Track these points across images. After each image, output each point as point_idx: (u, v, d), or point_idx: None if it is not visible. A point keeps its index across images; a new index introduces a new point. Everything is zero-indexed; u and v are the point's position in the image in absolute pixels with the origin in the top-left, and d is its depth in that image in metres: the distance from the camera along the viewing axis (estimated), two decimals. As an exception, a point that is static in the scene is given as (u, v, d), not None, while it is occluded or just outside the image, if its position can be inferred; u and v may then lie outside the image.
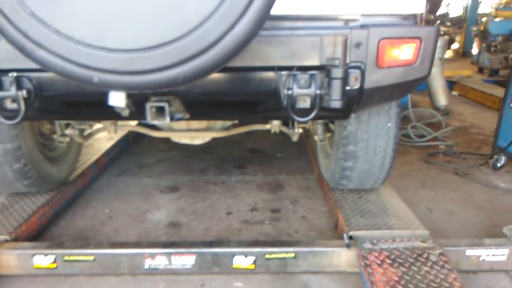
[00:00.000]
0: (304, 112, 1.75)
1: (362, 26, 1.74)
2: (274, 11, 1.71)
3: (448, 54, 11.91)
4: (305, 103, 1.76)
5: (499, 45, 9.16)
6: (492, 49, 9.22)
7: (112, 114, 1.87)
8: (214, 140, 3.36)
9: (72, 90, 1.75)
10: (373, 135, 2.31)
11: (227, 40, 1.32)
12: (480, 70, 9.16)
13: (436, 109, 5.66)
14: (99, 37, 1.31)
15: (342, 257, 2.13)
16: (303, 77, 1.72)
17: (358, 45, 1.73)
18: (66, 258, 2.12)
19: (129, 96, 1.68)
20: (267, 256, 2.13)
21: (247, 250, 2.14)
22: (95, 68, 1.34)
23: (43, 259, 2.11)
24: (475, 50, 10.63)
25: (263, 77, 1.76)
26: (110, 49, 1.31)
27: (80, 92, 1.75)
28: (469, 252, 2.14)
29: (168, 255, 2.12)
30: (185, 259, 2.13)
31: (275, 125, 2.72)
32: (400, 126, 2.35)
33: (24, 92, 1.72)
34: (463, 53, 12.11)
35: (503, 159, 3.57)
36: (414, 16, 1.87)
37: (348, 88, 1.73)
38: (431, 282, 1.88)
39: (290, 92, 1.72)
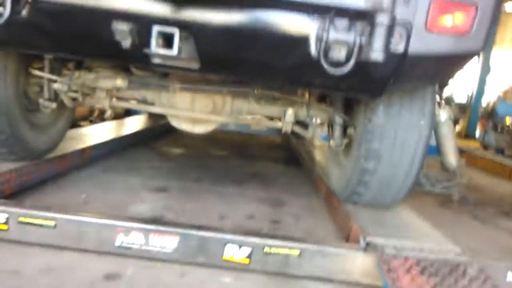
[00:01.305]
0: (338, 65, 1.48)
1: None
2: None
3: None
4: (339, 53, 1.49)
5: (506, 126, 9.17)
6: (499, 129, 9.21)
7: (110, 48, 1.60)
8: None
9: (70, 5, 1.49)
10: (403, 132, 2.02)
11: None
12: (485, 148, 9.05)
13: (446, 170, 5.41)
14: None
15: (358, 263, 1.74)
16: (342, 21, 1.47)
17: (407, 1, 1.49)
18: (21, 219, 1.72)
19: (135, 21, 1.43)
20: (266, 249, 1.74)
21: (243, 239, 1.75)
22: None
23: (-6, 217, 1.72)
24: (477, 134, 10.60)
25: (294, 18, 1.50)
26: None
27: (78, 9, 1.49)
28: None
29: (146, 232, 1.73)
30: (165, 241, 1.73)
31: (288, 122, 2.42)
32: (433, 127, 2.06)
33: None
34: (466, 136, 12.15)
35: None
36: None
37: (391, 45, 1.48)
38: (471, 298, 1.49)
39: (325, 35, 1.46)
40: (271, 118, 2.53)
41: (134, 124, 4.72)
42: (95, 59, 2.08)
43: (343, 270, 1.75)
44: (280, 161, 4.61)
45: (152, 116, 5.38)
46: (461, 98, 14.76)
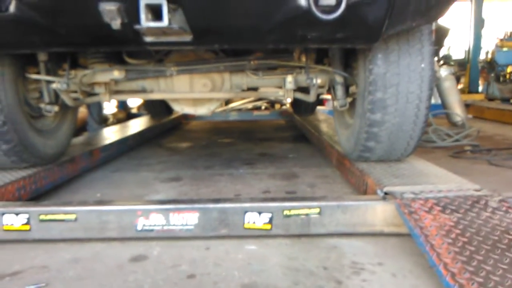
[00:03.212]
0: (329, 10, 1.47)
1: None
2: None
3: (456, 91, 11.78)
4: None
5: (508, 74, 9.07)
6: (501, 79, 9.12)
7: (101, 33, 1.60)
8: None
9: None
10: (405, 78, 2.00)
11: None
12: (490, 100, 8.98)
13: (453, 124, 5.38)
14: None
15: (378, 213, 1.74)
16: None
17: None
18: (42, 217, 1.74)
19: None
20: (286, 212, 1.74)
21: (262, 205, 1.76)
22: None
23: (14, 219, 1.74)
24: (480, 88, 10.50)
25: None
26: None
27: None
28: (534, 204, 1.74)
29: (166, 212, 1.74)
30: (186, 218, 1.74)
31: (288, 89, 2.41)
32: (434, 69, 2.04)
33: None
34: (469, 92, 12.02)
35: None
36: None
37: None
38: (496, 226, 1.48)
39: None
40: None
41: (138, 125, 4.74)
42: (88, 48, 2.06)
43: (365, 223, 1.75)
44: (286, 140, 4.62)
45: (154, 115, 5.39)
46: (459, 55, 14.63)
